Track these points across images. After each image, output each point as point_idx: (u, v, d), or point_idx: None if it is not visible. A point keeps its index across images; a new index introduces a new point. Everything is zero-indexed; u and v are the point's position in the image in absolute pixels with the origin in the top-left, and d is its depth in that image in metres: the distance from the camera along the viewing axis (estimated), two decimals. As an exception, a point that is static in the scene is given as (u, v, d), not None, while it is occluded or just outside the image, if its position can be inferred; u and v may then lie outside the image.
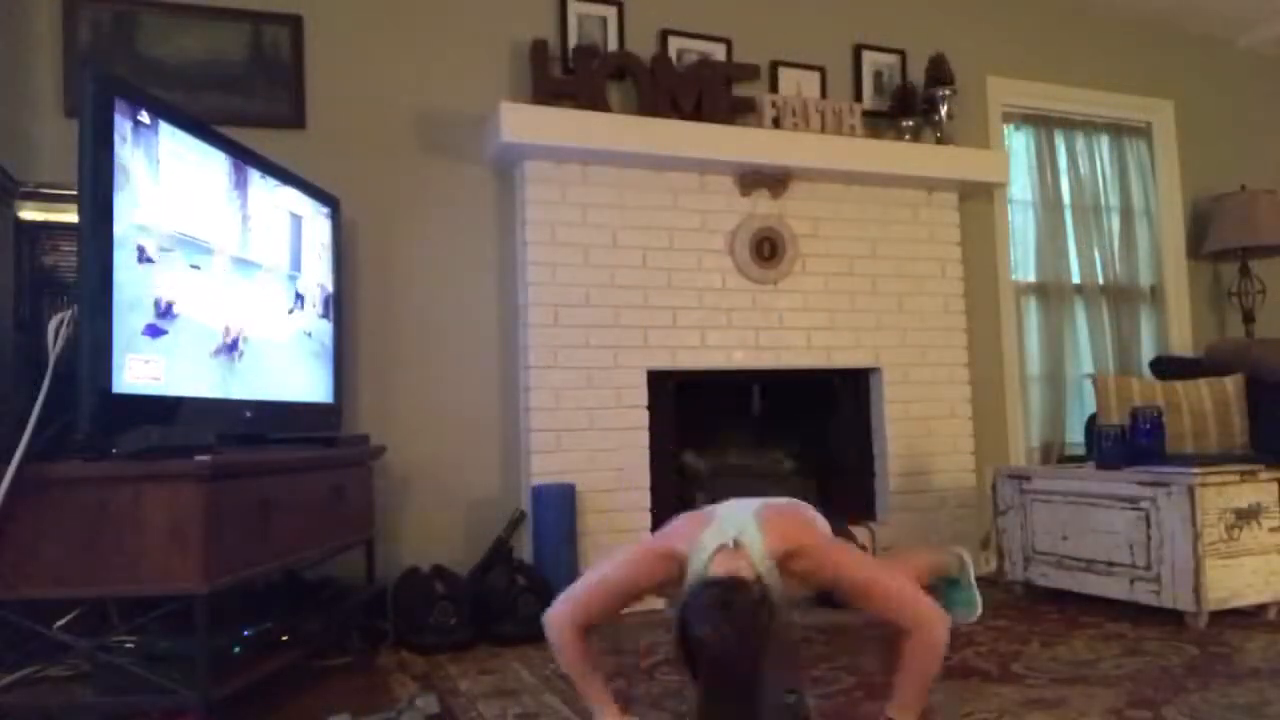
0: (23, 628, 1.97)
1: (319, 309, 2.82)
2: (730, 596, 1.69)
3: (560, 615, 1.92)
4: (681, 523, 1.95)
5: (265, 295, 2.49)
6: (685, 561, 1.83)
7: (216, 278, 2.26)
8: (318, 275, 2.82)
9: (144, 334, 1.98)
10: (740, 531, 1.82)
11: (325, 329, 2.86)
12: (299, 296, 2.68)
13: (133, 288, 1.95)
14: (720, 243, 3.54)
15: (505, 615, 2.84)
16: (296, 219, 2.70)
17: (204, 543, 1.87)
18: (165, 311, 2.05)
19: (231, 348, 2.30)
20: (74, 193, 1.93)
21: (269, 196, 2.55)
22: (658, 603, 2.78)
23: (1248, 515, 2.82)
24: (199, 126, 2.26)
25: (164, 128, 2.09)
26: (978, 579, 2.50)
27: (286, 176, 2.66)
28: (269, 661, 2.12)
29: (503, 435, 3.34)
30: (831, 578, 1.87)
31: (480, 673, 2.54)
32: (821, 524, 2.02)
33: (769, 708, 1.77)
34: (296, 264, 2.68)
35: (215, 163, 2.30)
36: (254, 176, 2.47)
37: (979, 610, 2.45)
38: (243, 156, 2.43)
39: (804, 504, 2.09)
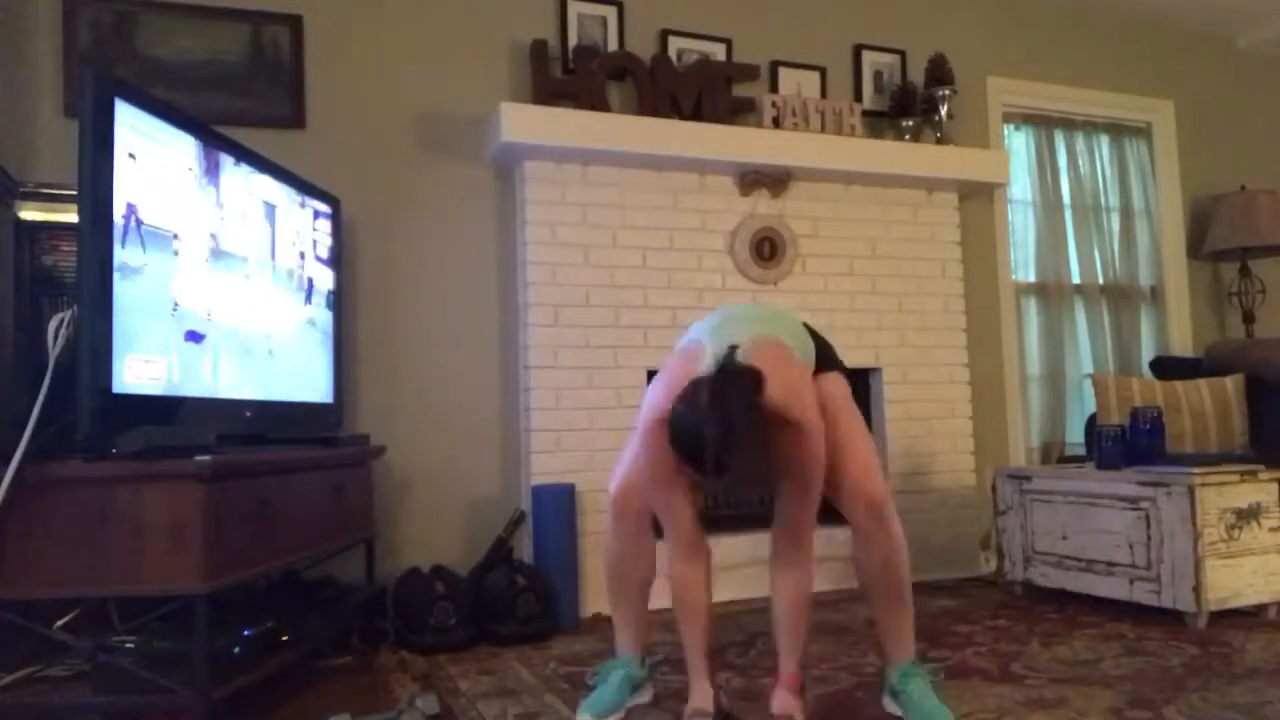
0: (23, 628, 1.97)
1: (307, 296, 2.82)
2: (705, 385, 1.71)
3: (675, 557, 1.94)
4: (675, 369, 1.89)
5: (263, 292, 2.49)
6: None
7: (215, 272, 2.26)
8: (310, 270, 2.82)
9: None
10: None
11: (324, 325, 2.86)
12: (308, 291, 2.68)
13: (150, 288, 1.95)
14: (720, 243, 3.54)
15: (505, 615, 2.84)
16: (289, 208, 2.70)
17: (204, 543, 1.87)
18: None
19: (197, 337, 2.31)
20: (74, 193, 1.93)
21: (265, 192, 2.55)
22: (658, 602, 2.77)
23: (1248, 515, 2.82)
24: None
25: (159, 123, 2.09)
26: (978, 579, 2.49)
27: (288, 177, 2.66)
28: (269, 661, 2.12)
29: (503, 435, 3.34)
30: (793, 460, 1.83)
31: (480, 673, 2.54)
32: (806, 380, 1.95)
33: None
34: (299, 260, 2.68)
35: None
36: (249, 172, 2.47)
37: None
38: (238, 153, 2.42)
39: (789, 345, 1.99)
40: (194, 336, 2.16)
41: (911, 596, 2.00)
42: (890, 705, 2.02)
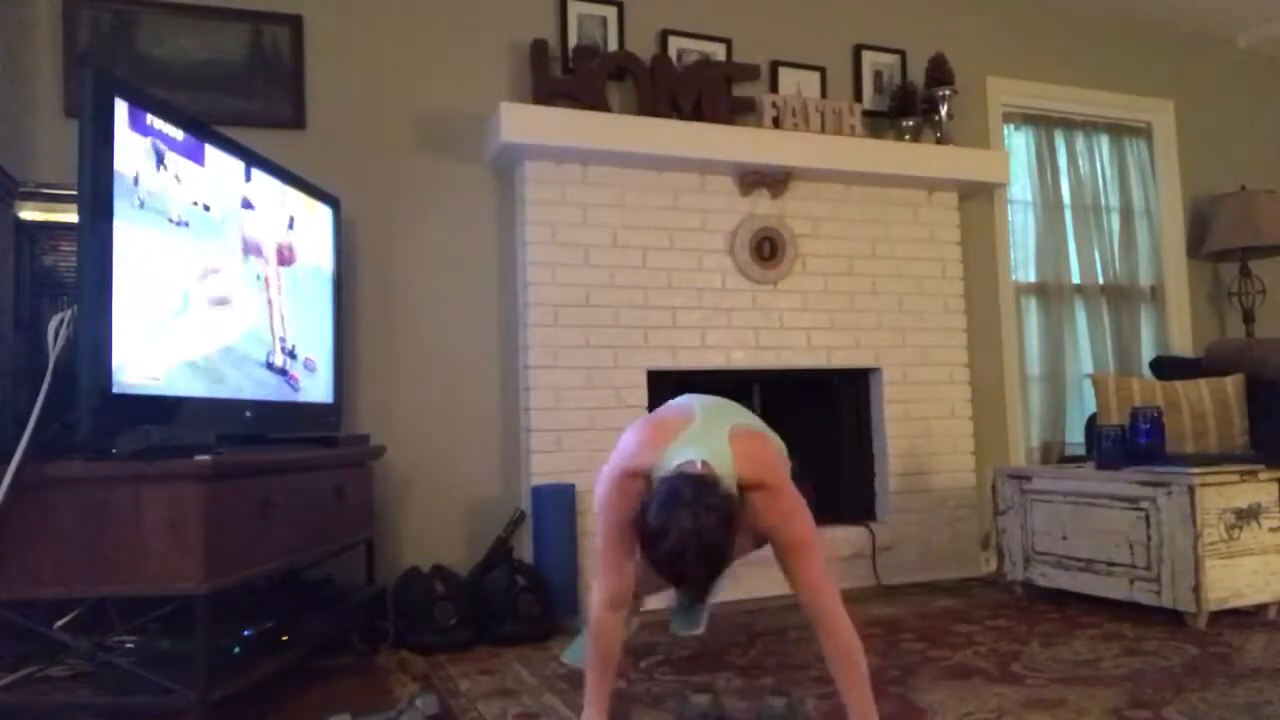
0: (23, 628, 1.97)
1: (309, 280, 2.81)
2: (698, 489, 1.71)
3: (597, 604, 1.93)
4: (635, 439, 1.95)
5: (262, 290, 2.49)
6: (651, 475, 1.86)
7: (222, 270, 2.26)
8: (309, 270, 2.82)
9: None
10: (711, 454, 1.84)
11: (324, 324, 2.86)
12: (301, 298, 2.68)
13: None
14: (720, 243, 3.54)
15: (505, 615, 2.84)
16: (289, 209, 2.70)
17: (204, 543, 1.87)
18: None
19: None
20: (74, 193, 1.93)
21: (265, 192, 2.55)
22: (657, 603, 2.78)
23: (1248, 515, 2.82)
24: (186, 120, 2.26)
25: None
26: (978, 579, 2.50)
27: (284, 174, 2.66)
28: (269, 661, 2.12)
29: (503, 435, 3.34)
30: (775, 525, 1.87)
31: (480, 673, 2.54)
32: (784, 464, 2.03)
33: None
34: (290, 256, 2.68)
35: (208, 158, 2.30)
36: (251, 172, 2.47)
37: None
38: (239, 153, 2.42)
39: (771, 436, 2.10)
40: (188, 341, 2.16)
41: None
42: None
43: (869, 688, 1.83)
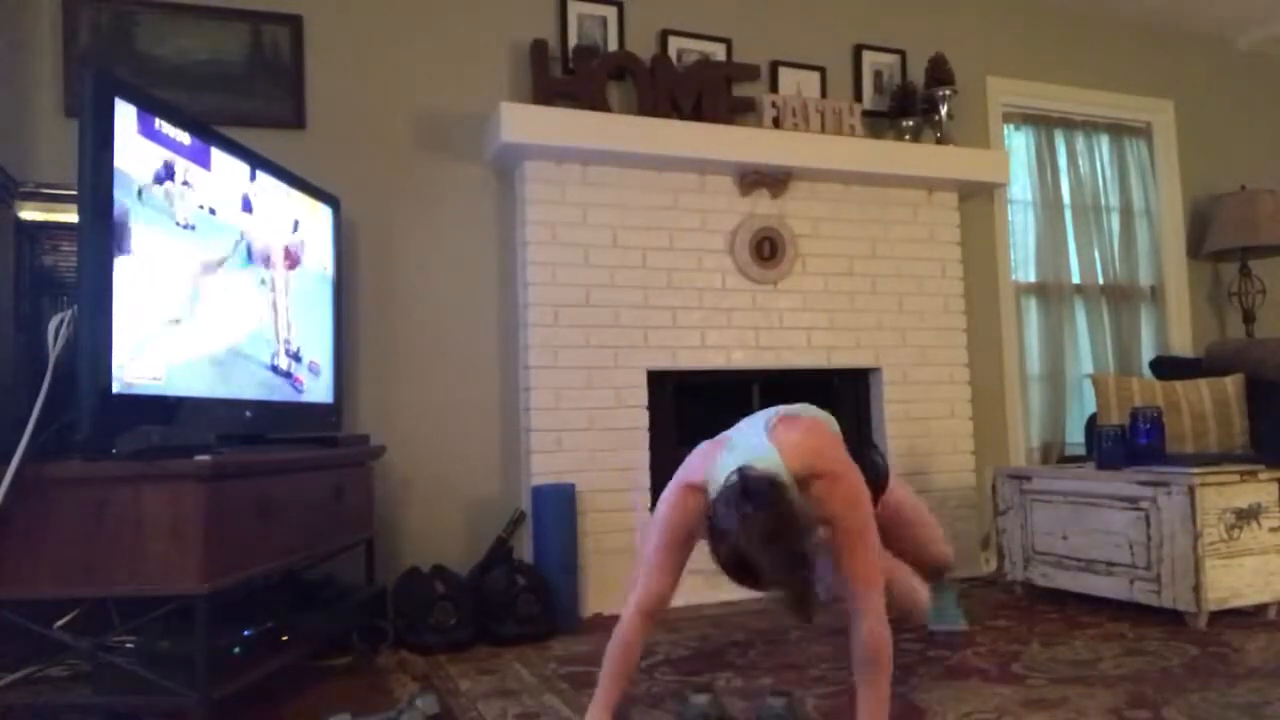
0: (23, 628, 1.97)
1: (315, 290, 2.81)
2: (747, 483, 1.67)
3: (631, 604, 1.88)
4: (697, 456, 1.92)
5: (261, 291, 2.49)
6: (707, 490, 1.80)
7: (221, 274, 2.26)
8: (309, 270, 2.82)
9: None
10: (751, 457, 1.77)
11: (324, 324, 2.86)
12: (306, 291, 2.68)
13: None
14: (720, 243, 3.54)
15: (505, 615, 2.84)
16: (289, 209, 2.70)
17: (204, 543, 1.87)
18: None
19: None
20: (74, 193, 1.93)
21: (265, 192, 2.55)
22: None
23: (1248, 515, 2.82)
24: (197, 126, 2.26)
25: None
26: (978, 579, 2.51)
27: (284, 174, 2.65)
28: (269, 661, 2.12)
29: (503, 435, 3.34)
30: (837, 514, 1.80)
31: (480, 673, 2.54)
32: (838, 445, 1.95)
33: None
34: (290, 256, 2.68)
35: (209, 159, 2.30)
36: (251, 172, 2.47)
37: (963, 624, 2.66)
38: (239, 153, 2.42)
39: (821, 417, 2.03)
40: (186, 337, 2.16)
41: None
42: None
43: (888, 693, 1.80)
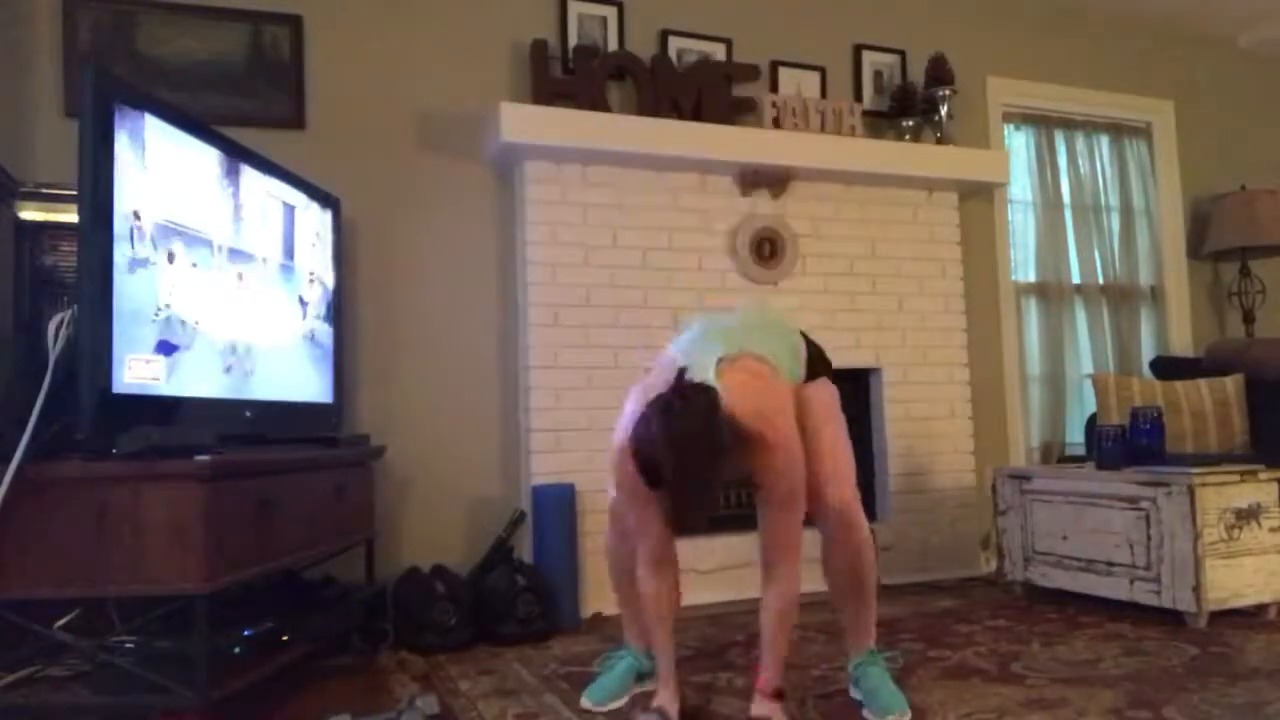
0: (23, 628, 1.97)
1: (320, 309, 2.82)
2: (665, 403, 1.75)
3: (640, 565, 2.01)
4: (641, 398, 1.93)
5: (264, 292, 2.49)
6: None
7: (217, 276, 2.26)
8: (316, 269, 2.82)
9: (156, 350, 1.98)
10: (700, 370, 1.86)
11: (324, 325, 2.86)
12: (303, 301, 2.68)
13: (136, 291, 1.95)
14: (720, 243, 3.54)
15: (505, 615, 2.84)
16: (289, 209, 2.70)
17: (204, 543, 1.87)
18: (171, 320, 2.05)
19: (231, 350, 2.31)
20: (74, 193, 1.93)
21: (265, 192, 2.55)
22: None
23: (1248, 515, 2.82)
24: (194, 124, 2.26)
25: (158, 124, 2.09)
26: (978, 579, 2.50)
27: (284, 174, 2.65)
28: (269, 661, 2.12)
29: (503, 435, 3.34)
30: (761, 477, 1.88)
31: (480, 673, 2.54)
32: (784, 400, 1.95)
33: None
34: (290, 256, 2.68)
35: (208, 159, 2.30)
36: (250, 172, 2.47)
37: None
38: (239, 153, 2.42)
39: (773, 367, 1.98)
40: (172, 345, 2.16)
41: (874, 592, 2.11)
42: (854, 692, 2.13)
43: (789, 641, 1.96)
